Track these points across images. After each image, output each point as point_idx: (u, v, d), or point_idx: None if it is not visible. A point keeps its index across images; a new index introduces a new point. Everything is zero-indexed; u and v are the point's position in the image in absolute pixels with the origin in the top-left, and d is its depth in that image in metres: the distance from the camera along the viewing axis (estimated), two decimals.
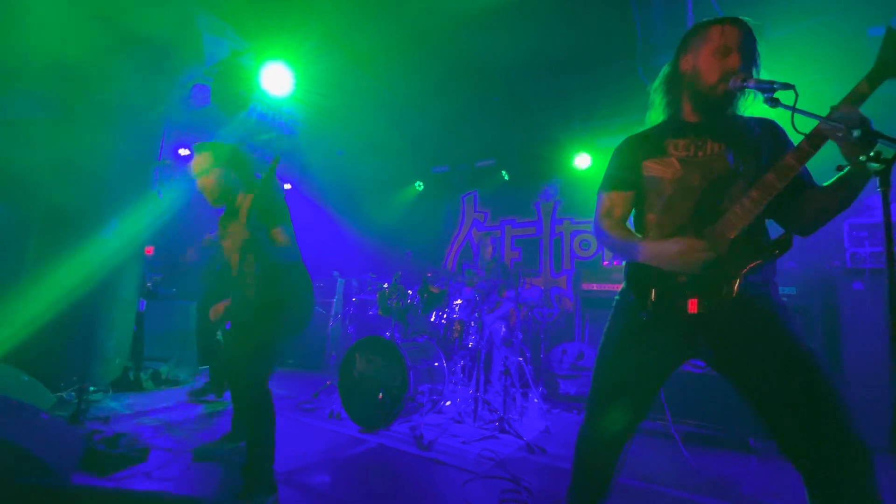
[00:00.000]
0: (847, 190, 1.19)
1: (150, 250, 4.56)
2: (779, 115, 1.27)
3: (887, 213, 0.91)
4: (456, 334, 3.61)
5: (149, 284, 4.34)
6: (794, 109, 1.15)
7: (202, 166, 2.09)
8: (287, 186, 6.22)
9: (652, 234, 1.38)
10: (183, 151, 5.20)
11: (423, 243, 6.57)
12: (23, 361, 3.29)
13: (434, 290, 3.78)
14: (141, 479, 2.11)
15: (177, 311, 4.37)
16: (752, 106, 1.37)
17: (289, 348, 5.46)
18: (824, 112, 1.13)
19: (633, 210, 1.50)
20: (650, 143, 1.41)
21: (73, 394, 3.16)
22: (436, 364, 3.41)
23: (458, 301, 3.89)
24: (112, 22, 3.58)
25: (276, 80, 3.79)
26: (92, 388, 3.38)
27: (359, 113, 5.29)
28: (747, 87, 1.25)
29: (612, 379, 1.45)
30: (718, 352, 1.29)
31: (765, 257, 1.22)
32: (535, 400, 3.71)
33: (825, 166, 1.28)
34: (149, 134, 4.19)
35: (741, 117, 1.37)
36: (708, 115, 1.36)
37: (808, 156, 1.14)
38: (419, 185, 6.71)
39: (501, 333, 4.05)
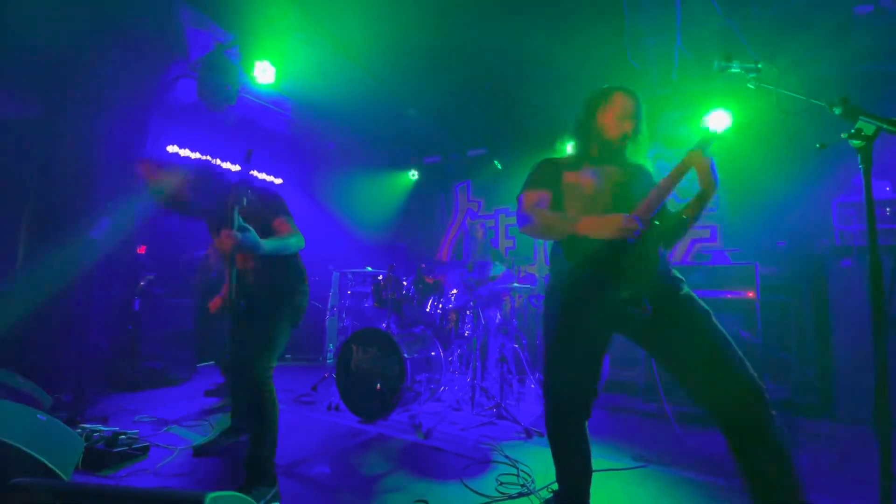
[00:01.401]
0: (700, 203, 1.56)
1: (142, 249, 4.53)
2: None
3: (868, 189, 0.92)
4: (452, 324, 3.63)
5: (142, 283, 4.32)
6: (777, 90, 1.16)
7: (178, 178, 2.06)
8: (278, 181, 6.18)
9: None
10: (171, 148, 5.13)
11: (418, 234, 6.57)
12: (18, 364, 3.28)
13: (429, 280, 3.79)
14: (142, 476, 2.13)
15: (171, 309, 4.35)
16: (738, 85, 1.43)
17: (287, 343, 5.46)
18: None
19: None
20: (567, 162, 1.73)
21: (70, 395, 3.15)
22: (433, 353, 3.43)
23: (454, 291, 3.90)
24: (96, 17, 3.52)
25: (261, 70, 3.75)
26: (89, 389, 3.37)
27: (349, 105, 5.24)
28: (732, 68, 1.29)
29: (564, 354, 1.65)
30: (643, 327, 1.53)
31: (677, 232, 1.61)
32: (532, 385, 3.75)
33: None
34: (136, 132, 4.13)
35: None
36: (608, 155, 1.69)
37: (684, 172, 1.49)
38: (413, 175, 6.67)
39: (497, 321, 4.08)
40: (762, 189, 4.05)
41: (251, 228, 1.80)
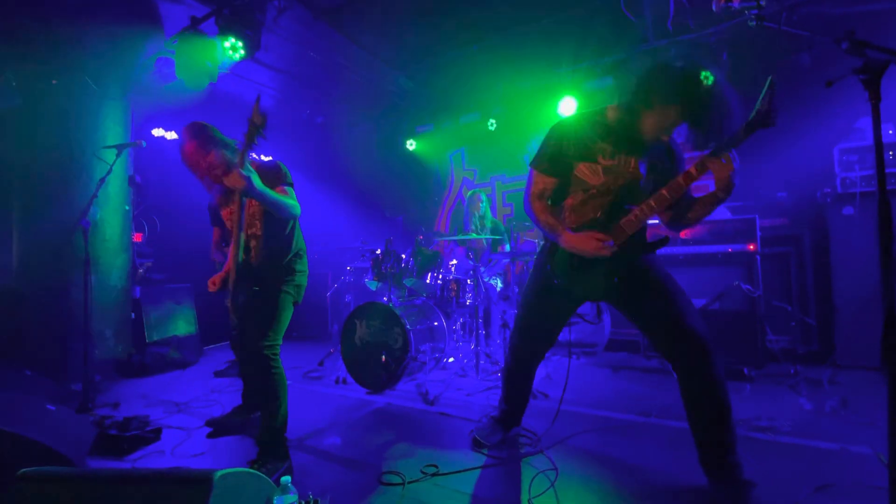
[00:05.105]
0: (710, 204, 1.65)
1: (138, 237, 4.49)
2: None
3: (877, 124, 0.88)
4: (453, 293, 3.63)
5: (141, 271, 4.30)
6: (780, 28, 1.10)
7: (202, 150, 2.05)
8: (267, 160, 6.06)
9: (566, 214, 1.78)
10: (157, 132, 5.01)
11: (414, 206, 6.50)
12: (25, 357, 3.31)
13: (427, 252, 3.77)
14: (157, 457, 2.17)
15: (172, 294, 4.35)
16: None
17: (290, 320, 5.50)
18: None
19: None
20: (584, 144, 1.70)
21: (79, 384, 3.19)
22: (435, 324, 3.45)
23: (454, 261, 3.89)
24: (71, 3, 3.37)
25: (240, 45, 3.60)
26: (98, 377, 3.41)
27: (334, 77, 5.08)
28: (733, 6, 1.22)
29: (534, 318, 2.00)
30: (614, 296, 1.79)
31: (648, 251, 1.73)
32: None
33: None
34: (118, 115, 4.01)
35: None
36: (633, 147, 1.67)
37: (694, 179, 1.52)
38: (410, 144, 6.51)
39: (498, 289, 4.08)
40: (761, 140, 3.97)
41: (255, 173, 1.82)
